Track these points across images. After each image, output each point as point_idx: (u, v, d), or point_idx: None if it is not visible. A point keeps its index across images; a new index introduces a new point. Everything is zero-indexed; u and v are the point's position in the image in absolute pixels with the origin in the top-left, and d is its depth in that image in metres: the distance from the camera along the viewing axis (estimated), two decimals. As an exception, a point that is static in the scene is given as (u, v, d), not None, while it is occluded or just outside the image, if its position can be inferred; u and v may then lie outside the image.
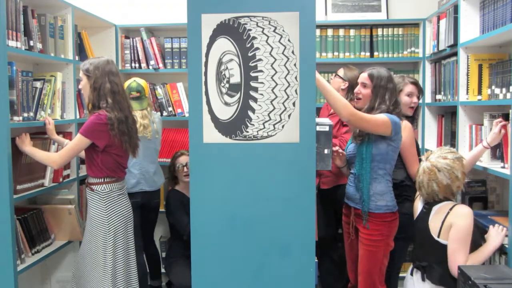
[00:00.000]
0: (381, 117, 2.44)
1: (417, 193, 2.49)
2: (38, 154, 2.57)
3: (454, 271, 2.13)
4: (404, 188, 2.72)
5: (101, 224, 2.60)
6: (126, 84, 3.22)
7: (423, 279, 2.32)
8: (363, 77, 2.58)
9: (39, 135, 2.77)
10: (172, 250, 3.36)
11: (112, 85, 2.60)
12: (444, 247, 2.21)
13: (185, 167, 3.32)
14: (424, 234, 2.32)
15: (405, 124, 2.71)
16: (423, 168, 2.34)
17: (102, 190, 2.61)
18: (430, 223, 2.29)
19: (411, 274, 2.42)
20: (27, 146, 2.53)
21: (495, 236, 2.21)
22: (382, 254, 2.52)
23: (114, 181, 2.65)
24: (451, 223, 2.19)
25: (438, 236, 2.24)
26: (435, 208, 2.31)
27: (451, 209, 2.23)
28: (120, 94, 2.64)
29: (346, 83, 3.13)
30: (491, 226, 2.25)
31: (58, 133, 2.83)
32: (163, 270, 3.64)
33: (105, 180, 2.61)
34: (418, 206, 2.46)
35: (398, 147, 2.54)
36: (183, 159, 3.30)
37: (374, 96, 2.53)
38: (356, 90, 2.58)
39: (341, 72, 3.20)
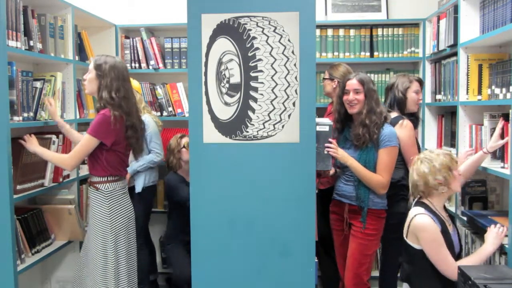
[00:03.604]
0: (395, 152, 2.59)
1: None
2: (49, 155, 2.60)
3: (450, 276, 2.14)
4: (400, 187, 2.73)
5: (103, 224, 2.60)
6: (138, 84, 3.37)
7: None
8: (354, 84, 2.60)
9: (39, 135, 2.77)
10: (171, 235, 3.35)
11: (125, 93, 2.62)
12: (411, 248, 2.23)
13: None
14: (403, 233, 2.35)
15: (406, 123, 2.73)
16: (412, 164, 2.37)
17: (106, 189, 2.61)
18: (405, 223, 2.30)
19: None
20: (37, 146, 2.56)
21: (494, 238, 2.21)
22: (372, 249, 2.58)
23: (117, 179, 2.65)
24: (416, 234, 2.19)
25: (406, 237, 2.26)
26: (410, 210, 2.31)
27: (414, 216, 2.21)
28: (130, 101, 2.66)
29: (335, 82, 3.14)
30: (491, 227, 2.25)
31: (57, 133, 2.84)
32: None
33: (109, 179, 2.62)
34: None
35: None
36: (186, 140, 3.30)
37: (368, 99, 2.58)
38: (350, 98, 2.59)
39: (326, 74, 3.24)
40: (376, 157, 2.55)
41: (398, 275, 2.90)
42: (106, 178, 2.61)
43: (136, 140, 2.72)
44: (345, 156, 2.53)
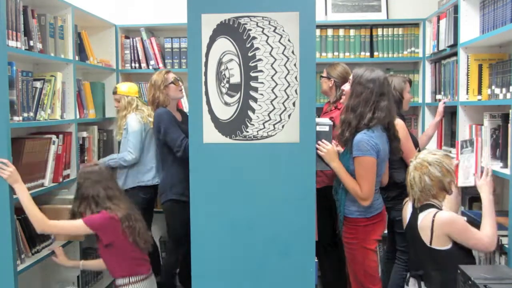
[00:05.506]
0: (367, 163, 2.34)
1: (406, 199, 2.46)
2: (30, 210, 2.41)
3: (489, 247, 2.14)
4: (405, 187, 2.73)
5: None
6: (134, 87, 3.30)
7: (419, 287, 2.29)
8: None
9: (39, 135, 2.77)
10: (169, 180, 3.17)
11: (107, 191, 2.53)
12: (439, 253, 2.17)
13: (179, 81, 3.17)
14: (416, 242, 2.26)
15: (397, 122, 2.68)
16: (413, 165, 2.28)
17: None
18: (420, 231, 2.22)
19: (407, 284, 2.35)
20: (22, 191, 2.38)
21: (484, 185, 2.27)
22: (361, 257, 2.45)
23: (140, 279, 2.52)
24: (445, 232, 2.14)
25: (431, 244, 2.18)
26: (420, 216, 2.24)
27: (434, 216, 2.16)
28: (117, 197, 2.55)
29: (331, 81, 3.16)
30: (477, 176, 2.32)
31: (57, 133, 2.83)
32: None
33: (131, 280, 2.50)
34: (408, 211, 2.39)
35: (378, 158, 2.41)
36: (173, 75, 3.16)
37: (351, 94, 2.43)
38: (342, 86, 2.62)
39: (324, 73, 3.25)
40: (349, 164, 2.41)
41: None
42: (128, 280, 2.49)
43: (138, 234, 2.52)
44: (331, 157, 2.38)
